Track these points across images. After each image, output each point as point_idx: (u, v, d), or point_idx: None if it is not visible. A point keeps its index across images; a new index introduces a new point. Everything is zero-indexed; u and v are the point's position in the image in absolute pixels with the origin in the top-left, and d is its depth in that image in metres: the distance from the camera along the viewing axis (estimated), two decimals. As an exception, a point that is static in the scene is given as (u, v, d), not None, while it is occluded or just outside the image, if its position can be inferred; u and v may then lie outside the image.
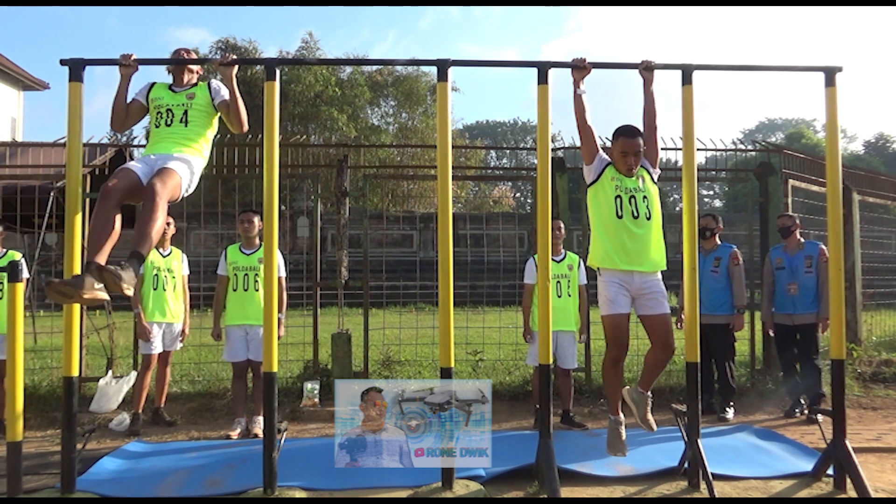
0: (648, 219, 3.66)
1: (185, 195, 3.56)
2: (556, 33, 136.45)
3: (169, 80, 3.85)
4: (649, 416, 3.75)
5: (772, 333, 5.88)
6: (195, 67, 3.87)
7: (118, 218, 3.18)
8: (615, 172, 3.71)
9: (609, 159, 3.77)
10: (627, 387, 3.84)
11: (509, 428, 5.19)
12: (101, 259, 3.02)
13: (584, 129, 3.72)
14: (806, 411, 5.54)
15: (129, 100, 3.68)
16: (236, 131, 3.73)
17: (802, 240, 5.85)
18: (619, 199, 3.65)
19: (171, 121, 3.61)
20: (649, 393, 3.78)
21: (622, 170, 3.70)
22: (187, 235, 16.15)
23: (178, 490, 3.70)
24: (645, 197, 3.68)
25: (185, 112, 3.63)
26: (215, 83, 3.78)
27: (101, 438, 4.89)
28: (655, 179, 3.81)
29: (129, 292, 3.00)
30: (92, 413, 5.48)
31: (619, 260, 3.62)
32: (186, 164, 3.51)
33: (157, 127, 3.63)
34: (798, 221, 5.90)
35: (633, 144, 3.69)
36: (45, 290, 2.90)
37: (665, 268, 3.74)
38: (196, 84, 3.79)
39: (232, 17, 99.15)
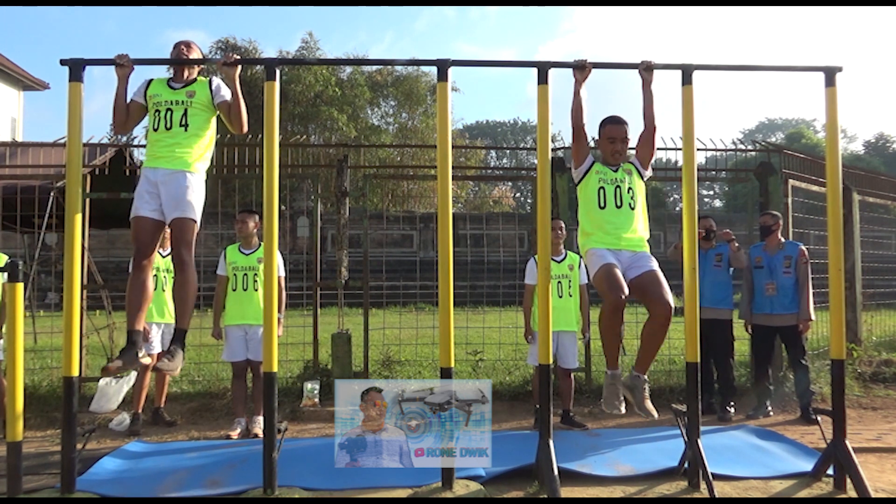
0: (632, 208, 3.69)
1: None
2: (552, 34, 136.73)
3: (168, 73, 3.74)
4: (647, 402, 3.59)
5: (748, 332, 5.88)
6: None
7: (150, 279, 3.58)
8: (600, 166, 3.79)
9: (594, 158, 3.83)
10: (622, 377, 3.71)
11: (509, 428, 5.19)
12: (140, 325, 3.51)
13: (579, 132, 3.78)
14: (771, 414, 5.60)
15: (128, 100, 3.60)
16: (236, 132, 3.67)
17: (783, 239, 5.84)
18: (602, 191, 3.70)
19: (171, 123, 3.49)
20: (645, 377, 3.63)
21: (609, 157, 3.78)
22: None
23: (178, 490, 3.69)
24: (630, 188, 3.72)
25: (185, 112, 3.51)
26: (216, 81, 3.66)
27: (101, 438, 4.89)
28: (644, 179, 3.84)
29: (177, 374, 3.52)
30: (92, 413, 5.49)
31: (604, 241, 3.66)
32: (195, 193, 3.53)
33: (155, 130, 3.51)
34: (780, 221, 5.86)
35: (619, 130, 3.78)
36: (102, 373, 3.48)
37: (647, 248, 3.74)
38: (196, 80, 3.65)
39: (231, 18, 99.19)
